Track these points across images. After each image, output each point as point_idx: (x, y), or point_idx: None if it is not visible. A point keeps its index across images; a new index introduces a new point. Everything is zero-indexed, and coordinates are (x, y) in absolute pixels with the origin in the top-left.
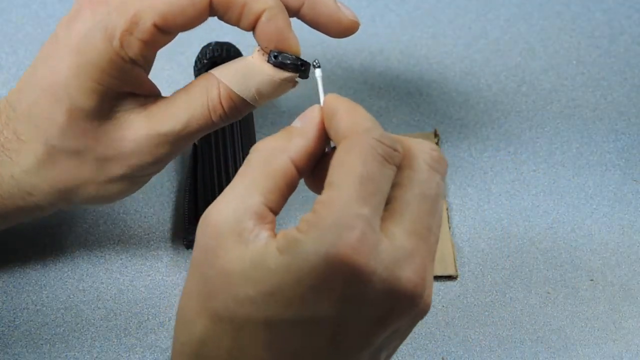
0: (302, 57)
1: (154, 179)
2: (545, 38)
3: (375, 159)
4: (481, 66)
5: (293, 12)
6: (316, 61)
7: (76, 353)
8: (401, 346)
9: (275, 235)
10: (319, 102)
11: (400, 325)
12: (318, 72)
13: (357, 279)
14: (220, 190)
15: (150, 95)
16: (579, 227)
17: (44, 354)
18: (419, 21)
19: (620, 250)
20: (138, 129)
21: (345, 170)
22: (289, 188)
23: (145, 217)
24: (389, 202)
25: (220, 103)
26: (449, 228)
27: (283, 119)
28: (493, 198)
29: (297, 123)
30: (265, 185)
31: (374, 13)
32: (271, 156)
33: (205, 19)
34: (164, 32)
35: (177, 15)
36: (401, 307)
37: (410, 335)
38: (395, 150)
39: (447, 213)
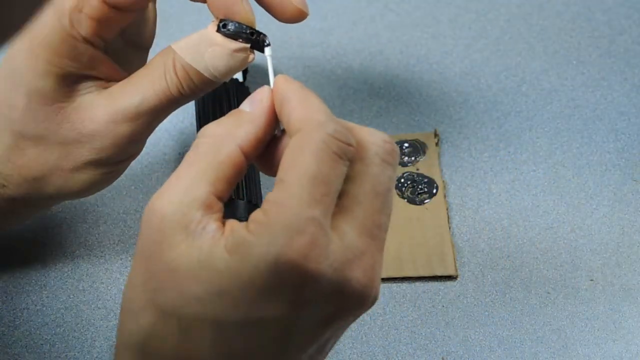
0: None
1: (154, 180)
2: (545, 38)
3: (329, 156)
4: (481, 66)
5: None
6: (266, 39)
7: (76, 353)
8: (401, 346)
9: (223, 225)
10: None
11: (348, 321)
12: (267, 51)
13: (307, 284)
14: None
15: (113, 79)
16: (579, 227)
17: (44, 354)
18: (419, 21)
19: (620, 250)
20: (97, 108)
21: (297, 169)
22: (237, 175)
23: None
24: (340, 196)
25: (176, 74)
26: (449, 228)
27: None
28: (493, 198)
29: (246, 106)
30: (213, 175)
31: (374, 13)
32: (220, 144)
33: None
34: (116, 8)
35: None
36: (350, 307)
37: (410, 335)
38: (349, 145)
39: (447, 213)
